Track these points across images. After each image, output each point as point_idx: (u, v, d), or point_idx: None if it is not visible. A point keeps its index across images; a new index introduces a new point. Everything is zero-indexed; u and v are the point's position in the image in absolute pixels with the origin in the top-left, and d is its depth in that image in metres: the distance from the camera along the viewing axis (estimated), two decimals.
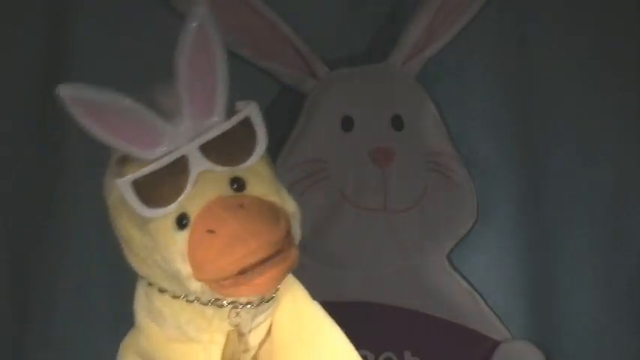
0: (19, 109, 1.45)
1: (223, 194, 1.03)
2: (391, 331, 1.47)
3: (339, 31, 1.49)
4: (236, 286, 1.03)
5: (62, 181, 1.46)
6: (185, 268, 1.04)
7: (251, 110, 1.06)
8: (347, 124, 1.49)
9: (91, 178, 1.46)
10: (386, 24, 1.51)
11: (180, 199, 1.04)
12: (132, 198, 1.03)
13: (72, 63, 1.45)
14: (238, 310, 1.10)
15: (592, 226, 1.55)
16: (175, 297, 1.10)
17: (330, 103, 1.50)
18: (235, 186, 1.05)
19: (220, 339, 1.13)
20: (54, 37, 1.45)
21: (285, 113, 1.45)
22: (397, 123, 1.50)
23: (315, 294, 1.17)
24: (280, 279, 1.05)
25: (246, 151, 1.07)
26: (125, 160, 1.05)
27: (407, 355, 1.47)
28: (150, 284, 1.13)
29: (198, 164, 1.03)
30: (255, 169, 1.07)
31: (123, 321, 1.49)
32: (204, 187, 1.04)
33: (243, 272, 1.02)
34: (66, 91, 1.01)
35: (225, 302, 1.09)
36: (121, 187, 1.03)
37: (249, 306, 1.10)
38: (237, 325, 1.12)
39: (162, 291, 1.12)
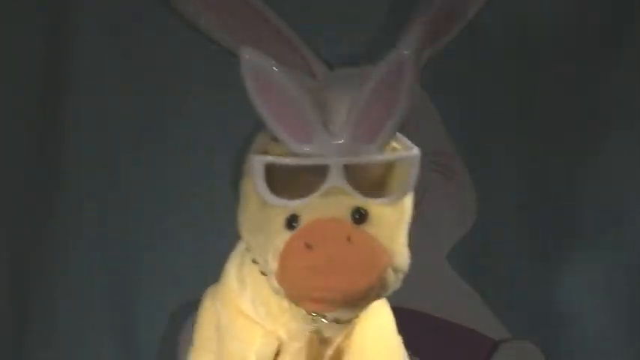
0: (19, 109, 1.45)
1: (340, 218, 1.03)
2: None
3: (339, 31, 1.49)
4: (304, 301, 1.03)
5: (62, 181, 1.46)
6: (272, 264, 1.04)
7: (412, 157, 1.04)
8: None
9: (91, 178, 1.47)
10: (386, 24, 1.50)
11: (301, 201, 1.03)
12: (259, 177, 1.02)
13: (72, 63, 1.45)
14: (313, 316, 1.10)
15: (592, 226, 1.55)
16: (263, 273, 1.10)
17: None
18: (357, 216, 1.03)
19: (283, 334, 1.13)
20: (54, 37, 1.45)
21: None
22: None
23: None
24: (354, 315, 1.06)
25: (388, 188, 1.05)
26: (275, 138, 1.04)
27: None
28: (247, 249, 1.13)
29: (335, 179, 1.02)
30: (384, 209, 1.04)
31: (123, 321, 1.50)
32: (327, 202, 1.02)
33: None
34: (249, 59, 1.00)
35: None
36: (255, 164, 1.02)
37: (322, 319, 1.10)
38: (314, 332, 1.12)
39: (255, 262, 1.11)
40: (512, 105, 1.54)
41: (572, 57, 1.54)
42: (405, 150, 1.05)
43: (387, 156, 1.04)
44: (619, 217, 1.56)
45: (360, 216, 1.03)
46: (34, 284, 1.46)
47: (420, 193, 1.48)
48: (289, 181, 1.03)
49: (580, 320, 1.55)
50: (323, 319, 1.10)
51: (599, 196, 1.55)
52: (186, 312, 1.48)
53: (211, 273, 1.50)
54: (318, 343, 1.13)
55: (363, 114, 1.01)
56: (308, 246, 1.00)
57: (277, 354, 1.15)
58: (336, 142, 1.02)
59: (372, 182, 1.05)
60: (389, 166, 1.05)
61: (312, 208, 1.03)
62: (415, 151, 1.04)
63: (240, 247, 1.18)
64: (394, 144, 1.05)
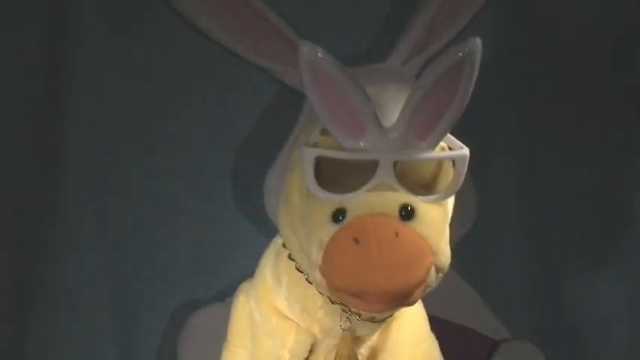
0: (20, 109, 1.45)
1: (388, 215, 1.02)
2: None
3: (339, 31, 1.49)
4: (347, 296, 1.04)
5: (62, 181, 1.46)
6: (317, 257, 1.04)
7: (462, 156, 1.05)
8: None
9: (91, 178, 1.47)
10: (386, 24, 1.51)
11: (348, 195, 1.03)
12: (309, 169, 1.02)
13: (72, 63, 1.45)
14: (348, 314, 1.10)
15: (592, 225, 1.55)
16: (300, 270, 1.10)
17: None
18: (403, 213, 1.04)
19: (316, 331, 1.13)
20: (54, 37, 1.45)
21: (285, 113, 1.45)
22: None
23: None
24: (389, 314, 1.06)
25: (435, 187, 1.06)
26: (326, 132, 1.04)
27: None
28: (284, 246, 1.13)
29: (384, 175, 1.02)
30: (432, 206, 1.05)
31: (123, 321, 1.50)
32: (375, 198, 1.03)
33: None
34: (308, 52, 1.00)
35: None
36: (305, 156, 1.02)
37: (357, 317, 1.10)
38: (348, 329, 1.12)
39: (291, 258, 1.12)
40: (512, 105, 1.54)
41: (573, 57, 1.54)
42: (454, 149, 1.05)
43: (437, 154, 1.04)
44: (619, 217, 1.56)
45: (407, 213, 1.04)
46: (34, 284, 1.46)
47: None
48: (335, 174, 1.04)
49: (580, 320, 1.55)
50: (358, 317, 1.10)
51: (599, 196, 1.55)
52: (186, 312, 1.48)
53: (211, 273, 1.51)
54: (351, 341, 1.13)
55: (418, 111, 1.01)
56: (356, 240, 1.01)
57: (311, 351, 1.16)
58: (388, 138, 1.02)
59: (419, 180, 1.05)
60: (437, 165, 1.05)
61: (360, 202, 1.03)
62: (465, 150, 1.05)
63: (275, 243, 1.19)
64: (443, 143, 1.05)
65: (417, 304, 1.20)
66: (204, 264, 1.49)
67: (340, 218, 1.04)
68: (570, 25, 1.53)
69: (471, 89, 1.02)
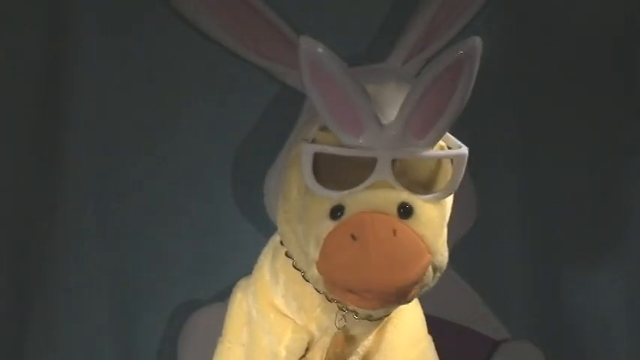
0: (20, 109, 1.45)
1: (385, 212, 1.02)
2: None
3: (339, 31, 1.49)
4: (344, 292, 1.04)
5: (62, 181, 1.46)
6: (314, 254, 1.04)
7: (460, 155, 1.05)
8: None
9: (91, 178, 1.47)
10: (386, 24, 1.50)
11: (347, 192, 1.03)
12: (307, 166, 1.03)
13: (72, 63, 1.45)
14: (344, 313, 1.10)
15: (592, 225, 1.55)
16: (297, 268, 1.10)
17: None
18: (401, 211, 1.04)
19: (314, 329, 1.13)
20: (54, 37, 1.44)
21: (285, 113, 1.45)
22: None
23: None
24: (386, 313, 1.06)
25: (433, 186, 1.06)
26: (325, 128, 1.04)
27: None
28: (282, 243, 1.13)
29: (382, 173, 1.02)
30: (429, 205, 1.05)
31: (123, 321, 1.50)
32: (373, 195, 1.03)
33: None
34: (308, 47, 0.99)
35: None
36: (303, 151, 1.03)
37: (354, 316, 1.10)
38: (342, 328, 1.12)
39: (288, 256, 1.12)
40: (512, 105, 1.54)
41: (573, 57, 1.54)
42: (453, 148, 1.05)
43: (436, 152, 1.04)
44: (619, 217, 1.56)
45: (405, 211, 1.04)
46: (34, 284, 1.46)
47: None
48: (334, 171, 1.03)
49: (580, 320, 1.55)
50: (355, 316, 1.10)
51: (599, 196, 1.55)
52: (186, 312, 1.48)
53: (211, 273, 1.51)
54: (344, 340, 1.13)
55: (416, 109, 1.01)
56: (353, 237, 1.01)
57: (307, 349, 1.16)
58: (386, 135, 1.02)
59: (418, 178, 1.05)
60: (435, 164, 1.05)
61: (358, 199, 1.03)
62: (464, 149, 1.05)
63: (273, 240, 1.19)
64: (441, 142, 1.05)
65: (414, 305, 1.20)
66: (204, 264, 1.49)
67: (338, 215, 1.04)
68: (570, 25, 1.53)
69: (471, 88, 1.02)
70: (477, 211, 1.51)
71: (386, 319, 1.16)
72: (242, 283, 1.25)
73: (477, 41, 1.00)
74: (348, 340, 1.15)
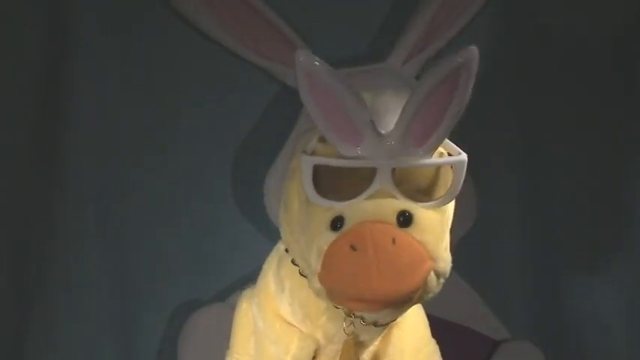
0: (20, 109, 1.45)
1: (385, 222, 1.03)
2: None
3: (339, 31, 1.49)
4: (347, 300, 1.04)
5: (62, 181, 1.46)
6: (316, 265, 1.04)
7: (460, 162, 1.05)
8: None
9: (91, 178, 1.47)
10: (386, 24, 1.50)
11: (347, 203, 1.03)
12: (307, 177, 1.03)
13: (72, 63, 1.45)
14: (352, 319, 1.10)
15: (592, 225, 1.55)
16: (303, 275, 1.11)
17: None
18: (401, 219, 1.04)
19: (320, 337, 1.13)
20: (54, 37, 1.45)
21: (285, 113, 1.45)
22: None
23: None
24: (392, 318, 1.06)
25: (433, 193, 1.06)
26: (324, 139, 1.04)
27: None
28: (287, 251, 1.13)
29: (382, 182, 1.02)
30: (429, 212, 1.05)
31: (123, 321, 1.50)
32: (372, 205, 1.03)
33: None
34: (304, 61, 1.00)
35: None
36: (304, 164, 1.03)
37: (361, 322, 1.10)
38: (352, 334, 1.12)
39: (294, 264, 1.12)
40: (511, 105, 1.54)
41: (573, 57, 1.54)
42: (452, 155, 1.05)
43: (435, 160, 1.04)
44: (619, 217, 1.56)
45: (405, 219, 1.04)
46: (34, 284, 1.46)
47: None
48: (333, 182, 1.04)
49: (580, 320, 1.55)
50: (361, 322, 1.10)
51: (599, 196, 1.55)
52: (186, 312, 1.48)
53: (211, 273, 1.51)
54: (354, 346, 1.13)
55: (415, 117, 1.01)
56: (353, 248, 1.01)
57: (314, 357, 1.16)
58: (385, 144, 1.02)
59: (418, 186, 1.05)
60: (435, 171, 1.05)
61: (357, 210, 1.03)
62: (463, 156, 1.05)
63: (278, 248, 1.19)
64: (440, 148, 1.05)
65: (418, 309, 1.20)
66: (204, 264, 1.49)
67: (338, 226, 1.04)
68: (570, 25, 1.53)
69: (468, 96, 1.02)
70: (477, 211, 1.51)
71: (392, 323, 1.16)
72: (247, 293, 1.25)
73: (474, 50, 1.01)
74: (356, 346, 1.15)
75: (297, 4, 1.48)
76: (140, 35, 1.46)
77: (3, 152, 1.45)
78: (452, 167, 1.06)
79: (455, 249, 1.53)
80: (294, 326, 1.16)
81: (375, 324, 1.12)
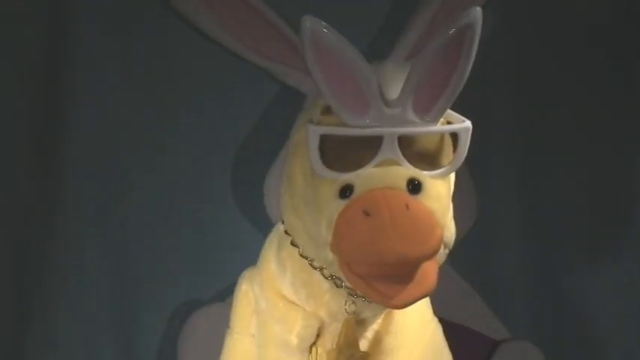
0: (20, 109, 1.45)
1: (396, 188, 1.02)
2: None
3: (340, 31, 1.49)
4: (366, 286, 1.03)
5: (62, 181, 1.46)
6: (327, 235, 1.04)
7: (464, 129, 1.05)
8: None
9: (91, 178, 1.47)
10: (386, 24, 1.50)
11: (355, 172, 1.03)
12: (314, 148, 1.02)
13: (72, 63, 1.45)
14: (354, 298, 1.10)
15: (592, 225, 1.55)
16: (303, 256, 1.10)
17: None
18: (410, 187, 1.04)
19: (323, 315, 1.13)
20: (54, 37, 1.44)
21: (285, 113, 1.44)
22: None
23: None
24: (411, 303, 1.05)
25: (438, 162, 1.06)
26: (327, 111, 1.04)
27: None
28: (287, 232, 1.13)
29: (390, 151, 1.02)
30: (437, 181, 1.05)
31: (123, 321, 1.50)
32: (382, 173, 1.03)
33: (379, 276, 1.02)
34: (311, 26, 0.99)
35: (344, 283, 1.09)
36: (310, 134, 1.02)
37: (364, 300, 1.10)
38: (353, 313, 1.12)
39: (294, 245, 1.12)
40: (512, 105, 1.54)
41: (573, 57, 1.54)
42: (459, 124, 1.05)
43: (441, 127, 1.04)
44: (619, 217, 1.56)
45: (414, 187, 1.04)
46: (34, 284, 1.46)
47: None
48: (338, 154, 1.03)
49: (580, 320, 1.55)
50: (364, 299, 1.10)
51: (599, 196, 1.55)
52: (186, 312, 1.48)
53: (211, 273, 1.51)
54: (354, 325, 1.13)
55: (420, 84, 1.01)
56: (366, 213, 1.01)
57: (318, 335, 1.16)
58: (391, 112, 1.01)
59: (423, 155, 1.05)
60: (439, 140, 1.05)
61: (367, 177, 1.03)
62: (467, 123, 1.04)
63: (277, 230, 1.18)
64: (443, 118, 1.05)
65: None
66: (204, 264, 1.49)
67: (347, 194, 1.04)
68: (570, 25, 1.53)
69: (472, 59, 1.02)
70: (477, 211, 1.51)
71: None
72: (246, 274, 1.26)
73: (478, 12, 1.00)
74: (358, 324, 1.15)
75: (297, 4, 1.48)
76: (140, 35, 1.46)
77: (3, 152, 1.45)
78: (457, 135, 1.06)
79: (455, 249, 1.53)
80: (298, 305, 1.16)
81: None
